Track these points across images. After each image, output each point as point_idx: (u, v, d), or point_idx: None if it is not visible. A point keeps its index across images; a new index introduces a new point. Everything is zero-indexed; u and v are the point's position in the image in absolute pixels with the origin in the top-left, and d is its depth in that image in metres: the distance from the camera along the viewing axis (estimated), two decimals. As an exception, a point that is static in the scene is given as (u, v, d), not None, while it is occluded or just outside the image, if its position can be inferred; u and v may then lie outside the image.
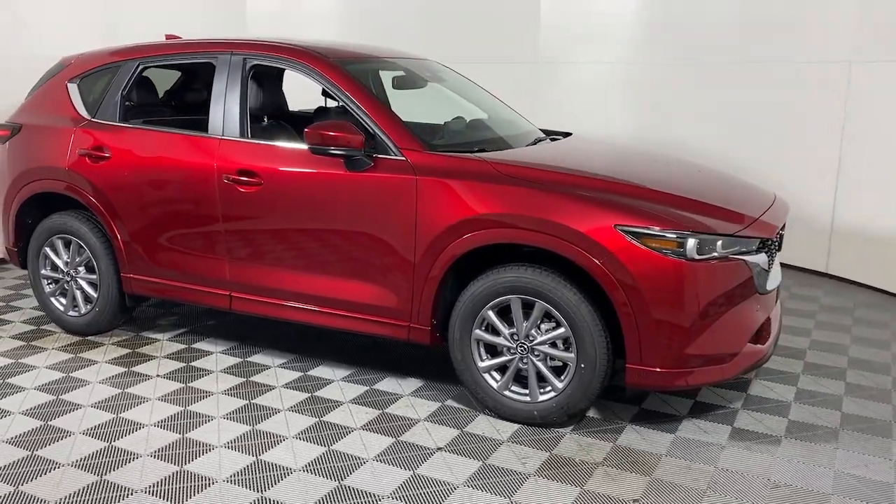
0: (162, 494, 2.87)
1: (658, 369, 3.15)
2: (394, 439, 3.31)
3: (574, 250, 3.16)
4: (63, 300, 4.52)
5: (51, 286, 4.54)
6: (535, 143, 4.16)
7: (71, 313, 4.49)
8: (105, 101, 4.30)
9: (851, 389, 3.83)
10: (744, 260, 3.20)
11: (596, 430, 3.39)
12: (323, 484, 2.95)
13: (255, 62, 3.94)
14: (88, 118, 4.31)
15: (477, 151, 3.64)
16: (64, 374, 3.96)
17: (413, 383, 3.88)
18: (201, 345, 4.39)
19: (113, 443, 3.26)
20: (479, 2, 7.13)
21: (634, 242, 3.08)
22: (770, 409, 3.61)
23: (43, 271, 4.54)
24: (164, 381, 3.90)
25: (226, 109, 3.93)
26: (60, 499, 2.84)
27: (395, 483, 2.96)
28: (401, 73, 4.41)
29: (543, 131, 4.65)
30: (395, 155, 3.52)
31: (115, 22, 6.60)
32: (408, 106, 4.75)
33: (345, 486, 2.94)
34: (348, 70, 3.79)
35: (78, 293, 4.46)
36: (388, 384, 3.87)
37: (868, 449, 3.24)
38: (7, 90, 5.14)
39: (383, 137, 3.56)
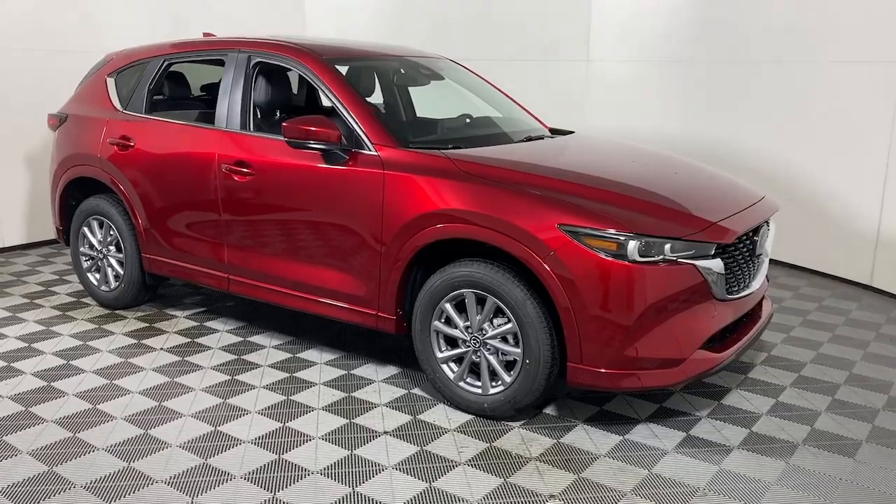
0: (119, 454, 3.14)
1: (597, 369, 3.15)
2: (347, 421, 3.46)
3: (519, 247, 3.20)
4: (98, 276, 4.95)
5: (87, 262, 4.99)
6: (525, 140, 4.20)
7: (103, 288, 4.92)
8: (135, 95, 4.68)
9: (835, 406, 3.67)
10: (693, 264, 3.14)
11: (545, 426, 3.42)
12: (263, 456, 3.14)
13: (258, 59, 4.19)
14: (121, 110, 4.70)
15: (452, 148, 3.73)
16: (81, 343, 4.36)
17: (390, 370, 4.02)
18: (213, 323, 4.70)
19: (97, 405, 3.59)
20: (530, 0, 7.16)
21: (576, 242, 3.10)
22: (736, 419, 3.52)
23: (81, 249, 4.99)
24: (165, 353, 4.22)
25: (230, 103, 4.19)
26: (33, 450, 3.17)
27: (329, 460, 3.11)
28: (401, 71, 4.54)
29: (552, 130, 4.69)
30: (369, 150, 3.67)
31: (188, 17, 7.06)
32: (421, 102, 4.93)
33: (283, 459, 3.12)
34: (336, 67, 3.96)
35: (109, 270, 4.87)
36: (365, 370, 4.03)
37: (821, 466, 3.11)
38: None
39: (360, 133, 3.71)
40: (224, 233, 4.21)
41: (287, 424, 3.42)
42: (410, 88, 4.73)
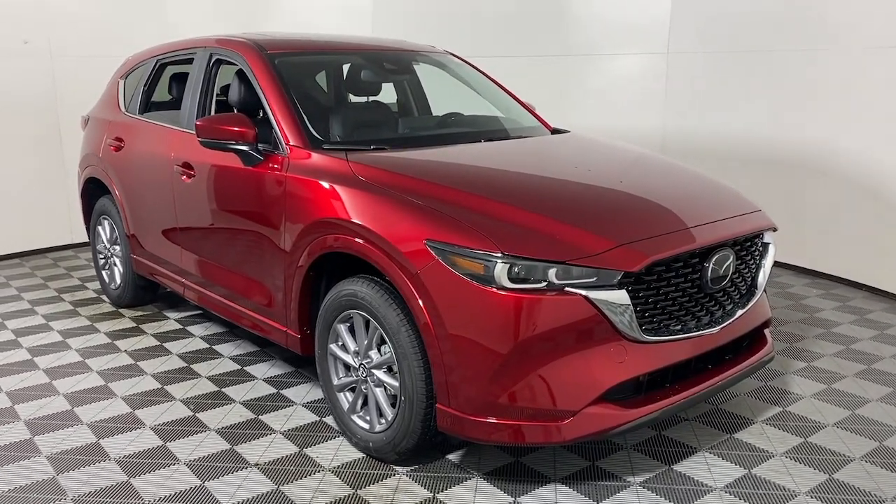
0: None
1: (466, 415, 2.61)
2: (228, 447, 3.16)
3: (388, 264, 2.74)
4: (108, 274, 5.05)
5: (102, 261, 5.11)
6: (481, 141, 3.67)
7: (111, 286, 5.01)
8: (133, 96, 4.70)
9: (826, 489, 2.80)
10: (584, 295, 2.49)
11: (434, 476, 2.91)
12: (114, 476, 2.93)
13: (217, 57, 4.01)
14: (122, 111, 4.75)
15: (373, 150, 3.32)
16: (60, 339, 4.43)
17: (321, 394, 3.66)
18: (195, 328, 4.60)
19: (15, 405, 3.57)
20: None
21: (441, 261, 2.58)
22: (676, 492, 2.78)
23: (97, 247, 5.12)
24: (124, 356, 4.17)
25: (190, 103, 4.06)
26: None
27: (173, 489, 2.83)
28: (364, 64, 4.14)
29: (554, 130, 4.12)
30: (281, 151, 3.35)
31: (265, 25, 7.14)
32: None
33: (128, 483, 2.89)
34: (271, 62, 3.66)
35: (115, 269, 4.95)
36: (297, 391, 3.71)
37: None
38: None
39: (277, 133, 3.40)
40: (179, 236, 4.08)
41: (167, 444, 3.19)
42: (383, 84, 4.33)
